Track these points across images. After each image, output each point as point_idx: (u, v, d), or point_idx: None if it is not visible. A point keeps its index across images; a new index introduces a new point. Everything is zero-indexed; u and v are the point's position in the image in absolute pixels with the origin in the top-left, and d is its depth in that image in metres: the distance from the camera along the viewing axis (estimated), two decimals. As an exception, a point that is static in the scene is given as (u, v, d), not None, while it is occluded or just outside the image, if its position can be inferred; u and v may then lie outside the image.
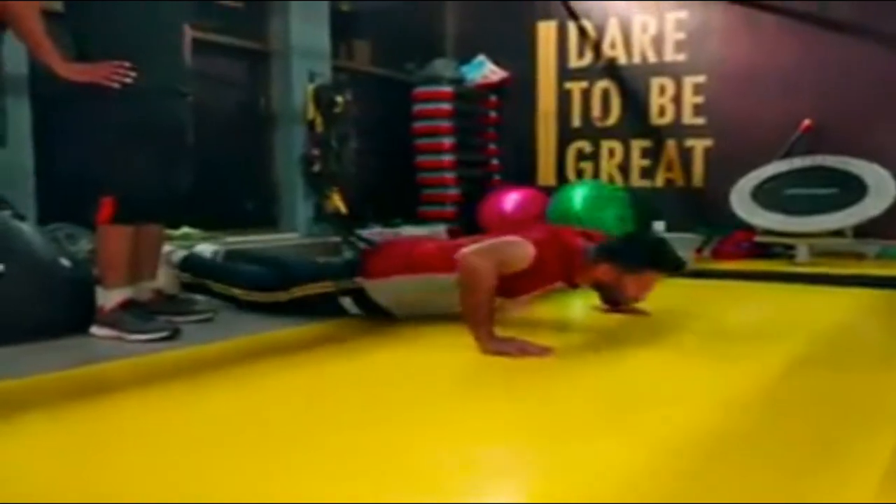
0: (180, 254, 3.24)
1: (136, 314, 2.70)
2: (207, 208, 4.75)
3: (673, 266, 2.78)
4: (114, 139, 2.66)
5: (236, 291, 3.08)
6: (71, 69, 2.57)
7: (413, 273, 2.77)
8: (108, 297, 2.69)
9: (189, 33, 2.92)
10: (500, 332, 2.38)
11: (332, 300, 2.91)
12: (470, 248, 2.46)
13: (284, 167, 5.59)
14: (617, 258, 2.63)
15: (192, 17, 2.97)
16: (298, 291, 2.94)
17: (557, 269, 2.62)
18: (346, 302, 2.90)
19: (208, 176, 4.69)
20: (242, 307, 3.10)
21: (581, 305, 3.34)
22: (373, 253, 3.03)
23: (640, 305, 3.03)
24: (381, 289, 2.82)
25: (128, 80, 2.58)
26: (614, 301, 2.96)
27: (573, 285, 2.75)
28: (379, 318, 2.89)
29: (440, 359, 2.37)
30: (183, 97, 2.85)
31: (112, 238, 2.69)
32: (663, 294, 2.89)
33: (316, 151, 5.54)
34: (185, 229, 4.62)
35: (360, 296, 2.86)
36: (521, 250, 2.50)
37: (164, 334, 2.64)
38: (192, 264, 3.21)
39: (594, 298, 3.10)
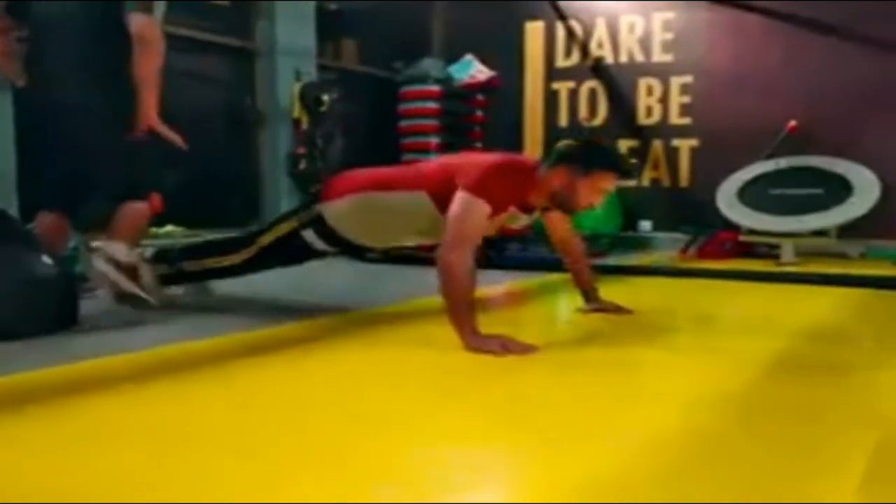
0: (150, 250, 3.27)
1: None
2: (191, 206, 4.74)
3: (626, 169, 2.83)
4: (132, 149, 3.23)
5: (209, 262, 3.11)
6: (154, 120, 3.22)
7: (369, 191, 2.79)
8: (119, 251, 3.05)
9: None
10: (484, 330, 2.38)
11: (296, 238, 2.91)
12: (443, 246, 2.45)
13: (270, 165, 5.59)
14: (572, 160, 2.66)
15: None
16: (265, 239, 2.97)
17: (510, 195, 2.64)
18: (309, 234, 2.89)
19: (193, 174, 4.70)
20: (219, 277, 3.15)
21: (564, 306, 3.34)
22: (332, 179, 3.03)
23: (624, 304, 3.04)
24: (338, 211, 2.82)
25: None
26: (567, 210, 2.82)
27: (528, 210, 2.76)
28: (350, 256, 3.00)
29: (423, 356, 2.36)
30: None
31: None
32: (647, 293, 2.90)
33: (301, 150, 5.53)
34: (169, 227, 4.61)
35: (320, 226, 2.86)
36: (482, 212, 2.50)
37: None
38: (163, 255, 3.23)
39: (578, 300, 3.10)
